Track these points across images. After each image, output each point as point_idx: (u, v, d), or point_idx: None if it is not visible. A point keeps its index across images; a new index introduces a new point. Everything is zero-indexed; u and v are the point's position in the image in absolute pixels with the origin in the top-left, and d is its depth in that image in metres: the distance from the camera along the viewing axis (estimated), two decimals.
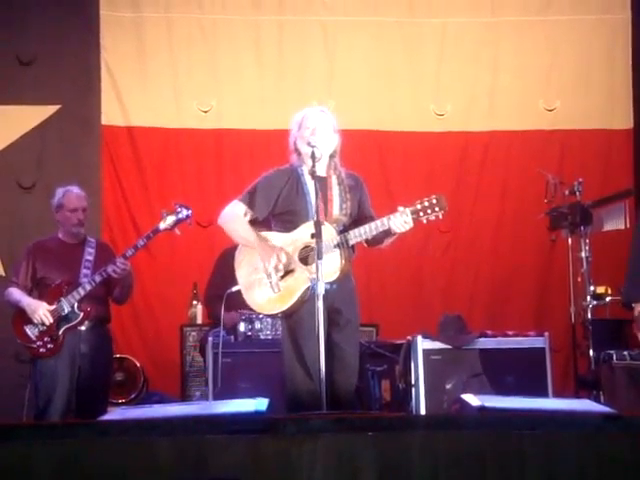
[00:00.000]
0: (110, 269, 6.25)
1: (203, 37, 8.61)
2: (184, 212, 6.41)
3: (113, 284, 6.43)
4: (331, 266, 5.07)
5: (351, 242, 5.13)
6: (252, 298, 5.28)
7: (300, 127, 5.32)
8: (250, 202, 5.31)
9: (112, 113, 8.48)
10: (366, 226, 5.13)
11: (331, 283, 5.05)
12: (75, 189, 6.54)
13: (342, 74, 8.70)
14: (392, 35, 8.73)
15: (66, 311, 6.28)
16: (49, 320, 6.25)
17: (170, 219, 6.38)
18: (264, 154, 8.05)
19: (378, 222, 5.11)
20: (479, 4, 8.81)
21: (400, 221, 5.04)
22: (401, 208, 5.06)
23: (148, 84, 8.55)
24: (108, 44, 8.49)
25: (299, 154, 5.33)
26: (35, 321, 6.26)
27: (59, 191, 6.54)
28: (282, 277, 5.19)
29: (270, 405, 4.45)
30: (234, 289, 5.67)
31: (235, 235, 5.36)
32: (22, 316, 6.32)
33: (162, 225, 6.39)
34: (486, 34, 8.78)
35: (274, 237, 5.27)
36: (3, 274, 8.08)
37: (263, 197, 5.30)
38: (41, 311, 6.26)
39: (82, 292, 6.28)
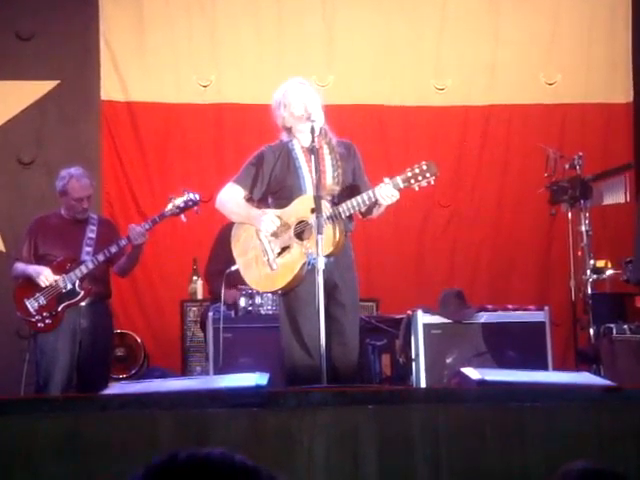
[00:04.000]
0: (116, 247, 6.24)
1: (202, 11, 8.57)
2: (192, 199, 6.37)
3: (118, 256, 6.41)
4: (327, 239, 5.05)
5: (344, 215, 5.12)
6: (250, 276, 5.29)
7: (286, 105, 5.30)
8: (244, 182, 5.31)
9: (111, 88, 8.46)
10: (356, 199, 5.11)
11: (327, 256, 5.03)
12: (79, 176, 6.41)
13: (342, 48, 8.68)
14: (392, 9, 8.70)
15: (68, 288, 6.28)
16: (52, 283, 6.23)
17: (177, 205, 6.35)
18: (264, 128, 7.95)
19: (365, 195, 5.09)
20: None
21: (386, 192, 5.02)
22: (387, 179, 5.04)
23: (147, 59, 8.52)
24: (107, 19, 8.45)
25: (289, 131, 5.33)
26: (41, 283, 6.24)
27: (63, 175, 6.43)
28: (279, 254, 5.19)
29: (270, 379, 4.46)
30: (233, 268, 5.68)
31: (233, 216, 5.38)
32: (24, 289, 6.32)
33: (169, 210, 6.36)
34: (487, 8, 8.75)
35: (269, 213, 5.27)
36: (3, 250, 8.08)
37: (255, 176, 5.30)
38: (46, 272, 6.25)
39: (84, 270, 6.27)
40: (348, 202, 5.12)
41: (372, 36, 8.71)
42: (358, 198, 5.11)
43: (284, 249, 5.19)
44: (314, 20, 8.67)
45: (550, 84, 8.76)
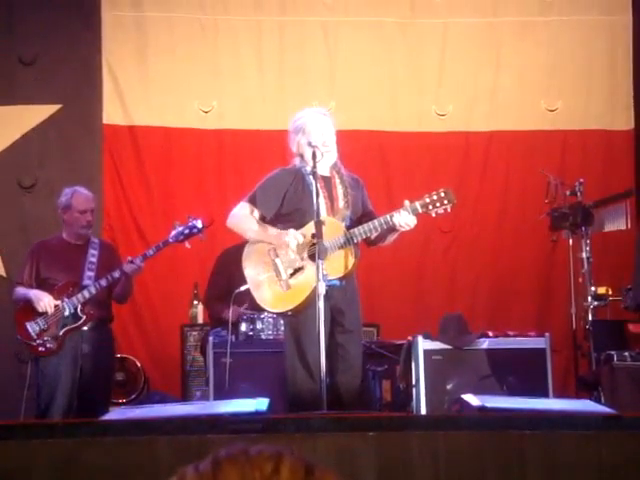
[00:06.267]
0: (119, 272, 6.25)
1: (204, 37, 8.61)
2: (197, 226, 6.38)
3: (115, 283, 6.43)
4: (341, 261, 5.09)
5: (357, 239, 5.17)
6: (261, 296, 5.30)
7: (304, 132, 5.34)
8: (257, 202, 5.34)
9: (113, 112, 8.48)
10: (370, 223, 5.17)
11: (340, 279, 5.07)
12: (83, 190, 6.53)
13: (343, 74, 8.70)
14: (393, 35, 8.73)
15: (68, 312, 6.28)
16: (51, 309, 6.24)
17: (181, 231, 6.36)
18: (265, 154, 8.05)
19: (382, 219, 5.16)
20: (480, 4, 8.80)
21: (404, 219, 5.08)
22: (406, 203, 5.10)
23: (149, 84, 8.54)
24: (109, 44, 8.48)
25: (302, 157, 5.36)
26: (40, 309, 6.25)
27: (67, 191, 6.52)
28: (292, 275, 5.20)
29: (270, 405, 4.46)
30: (242, 289, 5.69)
31: (249, 233, 5.39)
32: (25, 312, 6.33)
33: (172, 237, 6.37)
34: (488, 34, 8.77)
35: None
36: (4, 274, 8.07)
37: (270, 196, 5.33)
38: (46, 299, 6.26)
39: (87, 295, 6.29)
40: (361, 227, 5.18)
41: (373, 61, 8.73)
42: (370, 223, 5.18)
43: (297, 270, 5.20)
44: (316, 46, 8.69)
45: (551, 111, 8.78)
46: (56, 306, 6.26)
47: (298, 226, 5.25)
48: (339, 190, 5.33)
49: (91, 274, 6.38)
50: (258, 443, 3.76)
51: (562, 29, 8.79)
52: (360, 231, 5.16)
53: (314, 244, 5.12)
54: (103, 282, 6.28)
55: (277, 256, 5.23)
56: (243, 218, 5.37)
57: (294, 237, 5.19)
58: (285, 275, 5.20)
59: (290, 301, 5.19)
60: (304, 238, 5.20)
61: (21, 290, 6.41)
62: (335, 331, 5.10)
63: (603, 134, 8.75)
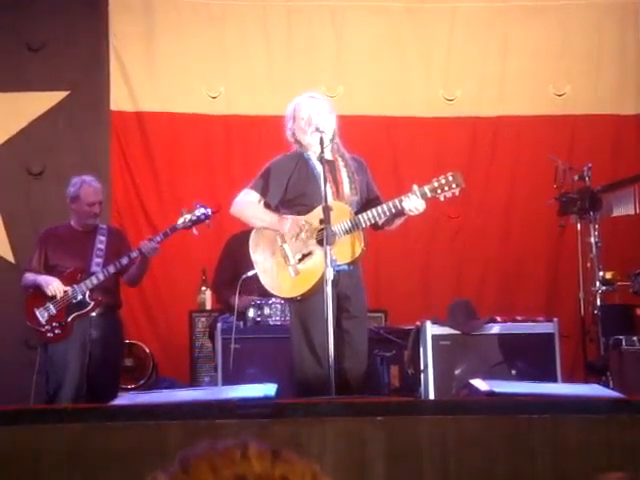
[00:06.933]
0: (127, 259, 6.27)
1: (212, 22, 8.59)
2: (204, 212, 6.41)
3: (124, 269, 6.44)
4: (349, 246, 5.09)
5: (365, 224, 5.16)
6: (270, 282, 5.30)
7: (295, 118, 5.36)
8: (262, 189, 5.33)
9: (121, 99, 8.48)
10: (379, 207, 5.16)
11: (348, 264, 5.08)
12: (91, 181, 6.53)
13: (351, 59, 8.68)
14: (401, 20, 8.71)
15: (78, 298, 6.30)
16: (61, 293, 6.26)
17: (189, 218, 6.39)
18: (273, 140, 7.97)
19: (390, 204, 5.15)
20: None
21: (414, 203, 5.07)
22: (415, 187, 5.09)
23: (157, 69, 8.54)
24: (117, 29, 8.47)
25: (300, 144, 5.36)
26: (49, 293, 6.27)
27: (75, 181, 6.53)
28: (300, 260, 5.20)
29: (279, 390, 4.46)
30: (250, 274, 5.69)
31: (254, 220, 5.38)
32: (35, 298, 6.35)
33: (180, 224, 6.39)
34: (496, 19, 8.74)
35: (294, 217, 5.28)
36: (14, 262, 8.08)
37: (274, 182, 5.32)
38: (55, 283, 6.29)
39: (95, 281, 6.31)
40: (369, 212, 5.16)
41: (381, 47, 8.71)
42: (379, 208, 5.16)
43: (305, 255, 5.20)
44: (323, 31, 8.68)
45: (559, 95, 8.75)
46: (65, 292, 6.28)
47: (304, 211, 5.24)
48: (343, 173, 5.32)
49: (99, 260, 6.39)
50: (267, 428, 3.77)
51: (571, 13, 8.76)
52: (369, 216, 5.15)
53: (322, 229, 5.11)
54: (111, 269, 6.30)
55: (285, 241, 5.22)
56: (247, 205, 5.37)
57: (296, 224, 5.19)
58: (294, 260, 5.20)
59: (299, 286, 5.19)
60: (308, 224, 5.19)
61: (30, 276, 6.43)
62: (341, 317, 5.10)
63: (612, 119, 8.72)
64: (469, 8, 8.73)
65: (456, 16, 8.72)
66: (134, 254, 6.31)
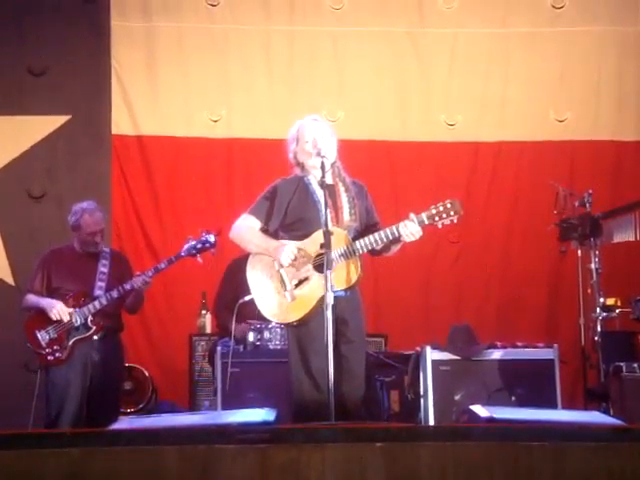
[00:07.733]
0: (130, 285, 6.28)
1: (214, 47, 8.62)
2: (209, 240, 6.42)
3: (126, 294, 6.44)
4: (346, 273, 5.08)
5: (362, 250, 5.14)
6: (266, 307, 5.27)
7: (298, 140, 5.36)
8: (260, 214, 5.32)
9: (122, 123, 8.50)
10: (376, 234, 5.15)
11: (345, 290, 5.07)
12: (92, 210, 6.50)
13: (352, 84, 8.71)
14: (402, 45, 8.74)
15: (79, 322, 6.30)
16: (66, 317, 6.26)
17: (194, 246, 6.40)
18: (274, 163, 8.00)
19: (388, 230, 5.13)
20: (490, 15, 8.80)
21: (411, 230, 5.06)
22: (412, 215, 5.08)
23: (158, 94, 8.56)
24: (119, 54, 8.51)
25: (302, 167, 5.36)
26: (53, 317, 6.27)
27: (76, 210, 6.52)
28: (297, 285, 5.19)
29: (278, 415, 4.45)
30: (246, 298, 5.67)
31: (250, 246, 5.36)
32: (36, 320, 6.35)
33: (185, 251, 6.41)
34: (497, 45, 8.78)
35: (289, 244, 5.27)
36: (13, 284, 8.08)
37: (273, 207, 5.31)
38: (59, 306, 6.29)
39: (97, 306, 6.32)
40: (366, 238, 5.15)
41: (382, 71, 8.74)
42: (376, 235, 5.14)
43: (302, 281, 5.19)
44: (325, 56, 8.71)
45: (560, 121, 8.77)
46: (69, 314, 6.28)
47: (301, 237, 5.23)
48: (344, 198, 5.31)
49: (102, 284, 6.40)
50: (266, 453, 3.76)
51: (571, 40, 8.79)
52: (365, 242, 5.13)
53: (319, 254, 5.11)
54: (114, 293, 6.32)
55: (282, 266, 5.21)
56: (245, 230, 5.35)
57: (291, 252, 5.18)
58: (290, 286, 5.19)
59: (296, 312, 5.18)
60: (300, 252, 5.18)
61: (32, 298, 6.42)
62: (339, 341, 5.07)
63: (612, 145, 8.74)
64: (470, 34, 8.76)
65: (457, 42, 8.75)
66: (127, 286, 6.32)
